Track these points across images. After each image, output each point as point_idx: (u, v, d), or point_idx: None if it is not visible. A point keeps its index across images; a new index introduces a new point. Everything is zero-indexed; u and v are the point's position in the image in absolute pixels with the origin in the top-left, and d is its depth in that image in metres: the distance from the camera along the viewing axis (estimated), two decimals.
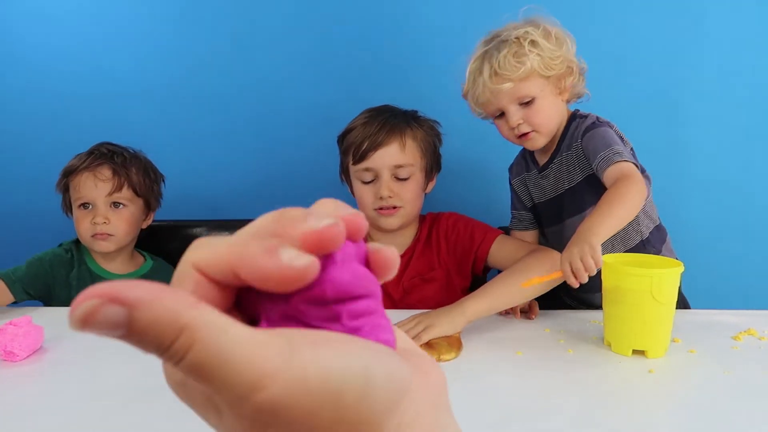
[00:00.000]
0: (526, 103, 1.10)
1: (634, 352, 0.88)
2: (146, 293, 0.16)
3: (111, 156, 1.31)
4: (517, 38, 1.08)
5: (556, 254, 1.05)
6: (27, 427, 0.69)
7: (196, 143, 1.71)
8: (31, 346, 0.89)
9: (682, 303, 1.27)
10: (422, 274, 1.24)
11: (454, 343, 0.92)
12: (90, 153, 1.32)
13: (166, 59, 1.68)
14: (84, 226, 1.29)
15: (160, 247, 1.49)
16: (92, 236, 1.29)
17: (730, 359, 0.87)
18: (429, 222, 1.29)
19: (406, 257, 1.25)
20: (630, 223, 1.09)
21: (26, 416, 0.71)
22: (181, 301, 0.17)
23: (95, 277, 1.34)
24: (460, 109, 1.64)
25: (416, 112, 1.28)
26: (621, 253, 0.97)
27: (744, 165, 1.60)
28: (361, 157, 1.19)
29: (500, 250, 1.19)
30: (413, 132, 1.22)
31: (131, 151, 1.37)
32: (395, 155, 1.19)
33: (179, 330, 0.16)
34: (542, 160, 1.22)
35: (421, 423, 0.21)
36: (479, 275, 1.24)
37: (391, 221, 1.21)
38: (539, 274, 1.00)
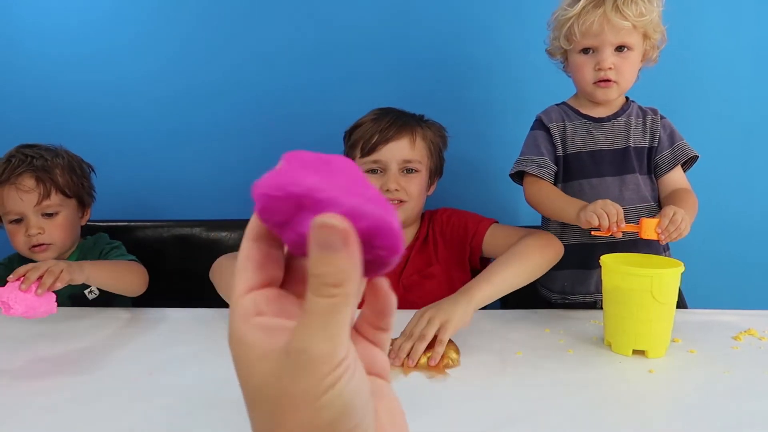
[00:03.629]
0: (621, 52, 1.12)
1: (635, 352, 0.88)
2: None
3: (30, 161, 1.21)
4: None
5: (551, 235, 1.13)
6: (27, 427, 0.69)
7: (193, 143, 1.71)
8: (32, 306, 0.87)
9: (681, 303, 1.27)
10: (420, 271, 1.25)
11: (454, 349, 0.89)
12: (8, 161, 1.21)
13: (168, 63, 1.68)
14: (19, 240, 1.21)
15: (160, 246, 1.49)
16: (30, 249, 1.21)
17: (730, 359, 0.87)
18: (427, 220, 1.30)
19: (405, 256, 1.26)
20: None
21: (27, 416, 0.71)
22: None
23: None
24: (461, 110, 1.64)
25: (423, 116, 1.29)
26: (621, 254, 0.97)
27: (744, 165, 1.60)
28: (370, 150, 1.20)
29: (494, 238, 1.19)
30: (423, 131, 1.25)
31: (52, 149, 1.29)
32: (405, 150, 1.20)
33: None
34: (597, 113, 1.22)
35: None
36: (477, 268, 1.24)
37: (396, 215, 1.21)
38: (540, 254, 1.05)
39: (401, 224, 0.25)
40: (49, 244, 1.22)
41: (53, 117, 1.70)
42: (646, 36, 1.13)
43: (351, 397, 0.24)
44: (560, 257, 1.09)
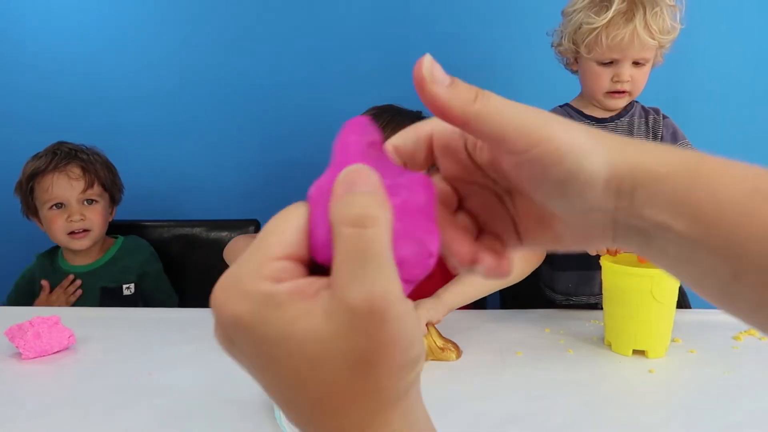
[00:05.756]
0: (638, 65, 1.11)
1: (635, 352, 0.88)
2: None
3: (75, 154, 1.32)
4: (673, 5, 1.09)
5: None
6: (27, 427, 0.69)
7: (193, 143, 1.71)
8: (44, 349, 0.89)
9: (684, 302, 1.27)
10: None
11: (452, 347, 0.91)
12: (53, 153, 1.31)
13: (168, 61, 1.68)
14: (59, 225, 1.29)
15: (161, 246, 1.49)
16: (68, 234, 1.29)
17: (730, 359, 0.87)
18: None
19: None
20: None
21: (27, 416, 0.71)
22: None
23: (64, 274, 1.33)
24: None
25: (420, 112, 1.28)
26: (622, 254, 0.97)
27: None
28: None
29: None
30: None
31: (88, 147, 1.38)
32: None
33: None
34: (601, 113, 1.21)
35: None
36: None
37: None
38: (521, 258, 1.03)
39: None
40: (88, 231, 1.30)
41: (53, 115, 1.71)
42: (660, 46, 1.13)
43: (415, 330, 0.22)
44: (541, 262, 1.11)
